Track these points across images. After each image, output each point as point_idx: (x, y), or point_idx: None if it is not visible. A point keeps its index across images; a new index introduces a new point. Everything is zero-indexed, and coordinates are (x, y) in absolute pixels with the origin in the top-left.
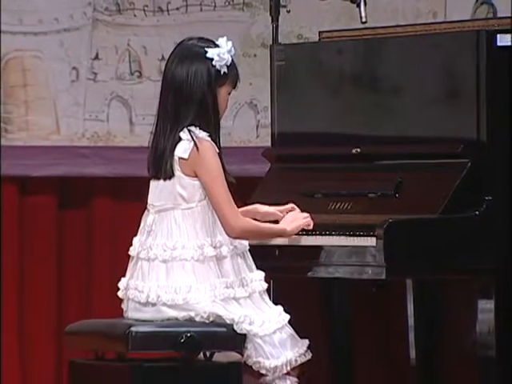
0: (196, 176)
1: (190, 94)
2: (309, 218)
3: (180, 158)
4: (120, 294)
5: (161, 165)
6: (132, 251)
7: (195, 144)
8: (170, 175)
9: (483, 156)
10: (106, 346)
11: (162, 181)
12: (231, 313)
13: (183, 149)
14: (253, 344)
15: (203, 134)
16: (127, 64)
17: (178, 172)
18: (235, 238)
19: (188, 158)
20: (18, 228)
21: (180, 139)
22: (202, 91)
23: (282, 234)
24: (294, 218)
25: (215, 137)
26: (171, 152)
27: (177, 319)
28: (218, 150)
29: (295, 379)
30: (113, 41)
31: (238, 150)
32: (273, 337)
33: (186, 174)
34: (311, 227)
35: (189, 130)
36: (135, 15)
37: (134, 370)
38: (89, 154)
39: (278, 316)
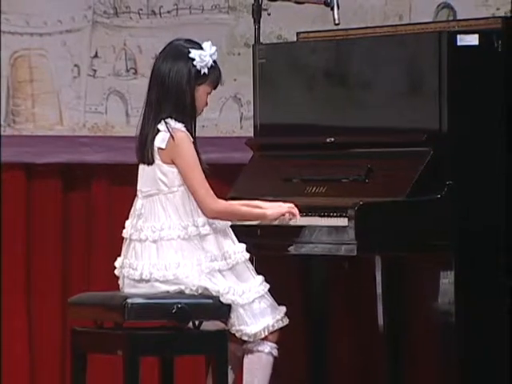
0: (174, 163)
1: (169, 89)
2: (293, 209)
3: (159, 148)
4: (116, 272)
5: (144, 152)
6: (125, 233)
7: (171, 134)
8: (151, 161)
9: (444, 145)
10: (105, 316)
11: (146, 166)
12: (216, 285)
13: (161, 139)
14: (235, 313)
15: (178, 125)
16: (124, 62)
17: (157, 160)
18: (212, 218)
19: (165, 147)
20: (25, 209)
21: (158, 130)
22: (180, 87)
23: (262, 217)
24: (278, 205)
25: (190, 128)
26: (151, 142)
27: (168, 292)
28: (192, 140)
29: (274, 345)
30: (111, 41)
31: (223, 139)
32: (252, 305)
33: (165, 162)
34: (296, 218)
35: (165, 122)
36: (131, 18)
37: (129, 338)
38: (89, 143)
39: (258, 286)
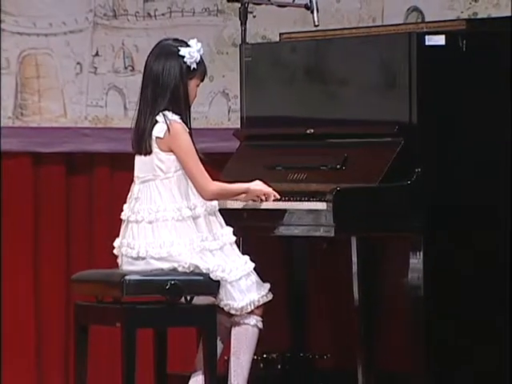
0: (171, 151)
1: (164, 85)
2: (272, 193)
3: (157, 138)
4: (115, 251)
5: (141, 143)
6: (123, 215)
7: (168, 126)
8: (149, 151)
9: (414, 135)
10: (105, 292)
11: (143, 156)
12: (207, 263)
13: (159, 129)
14: (224, 289)
15: (175, 117)
16: (122, 60)
17: (155, 149)
18: (209, 200)
19: (163, 137)
20: (33, 195)
21: (156, 122)
22: (174, 83)
23: (245, 191)
24: (262, 184)
25: (186, 119)
26: (150, 132)
27: (162, 269)
28: (187, 130)
29: (259, 318)
30: (110, 41)
31: (213, 130)
32: (239, 282)
33: (163, 150)
34: (269, 200)
35: (163, 114)
36: (128, 20)
37: (127, 311)
38: (90, 134)
39: (244, 264)
